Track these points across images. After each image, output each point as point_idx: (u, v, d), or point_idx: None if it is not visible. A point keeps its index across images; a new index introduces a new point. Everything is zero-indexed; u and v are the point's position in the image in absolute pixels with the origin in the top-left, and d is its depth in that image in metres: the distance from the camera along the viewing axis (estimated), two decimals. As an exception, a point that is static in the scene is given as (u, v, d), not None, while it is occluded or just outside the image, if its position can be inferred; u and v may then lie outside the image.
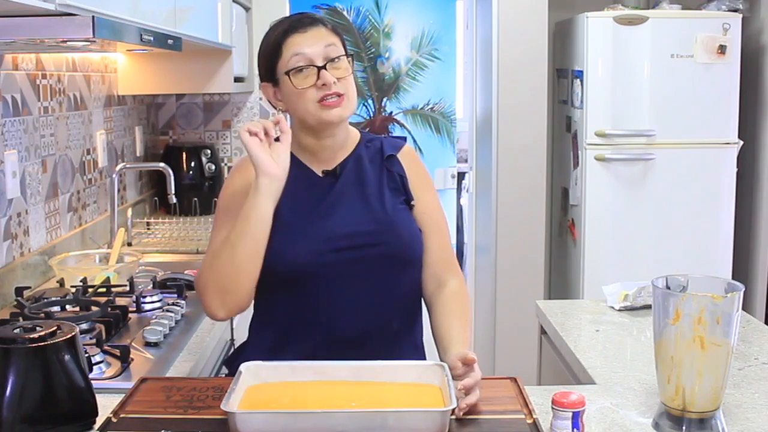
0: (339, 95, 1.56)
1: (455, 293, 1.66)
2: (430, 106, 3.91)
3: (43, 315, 1.90)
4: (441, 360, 1.51)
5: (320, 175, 1.66)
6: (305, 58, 1.55)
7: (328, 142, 1.64)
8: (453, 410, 1.31)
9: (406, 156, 1.72)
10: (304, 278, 1.57)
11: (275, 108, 1.65)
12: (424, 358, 1.70)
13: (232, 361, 1.71)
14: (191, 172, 3.49)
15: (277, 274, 1.57)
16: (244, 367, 1.40)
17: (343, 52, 1.60)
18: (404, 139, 1.78)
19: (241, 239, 1.49)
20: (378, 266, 1.58)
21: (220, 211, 1.64)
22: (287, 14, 3.55)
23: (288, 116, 1.62)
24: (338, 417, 1.26)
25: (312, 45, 1.56)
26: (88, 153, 2.79)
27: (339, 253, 1.57)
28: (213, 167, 3.52)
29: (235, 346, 1.79)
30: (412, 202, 1.67)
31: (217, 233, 1.59)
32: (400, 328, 1.64)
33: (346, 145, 1.68)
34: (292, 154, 1.64)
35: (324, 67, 1.55)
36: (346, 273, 1.57)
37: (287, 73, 1.56)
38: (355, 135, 1.71)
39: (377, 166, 1.69)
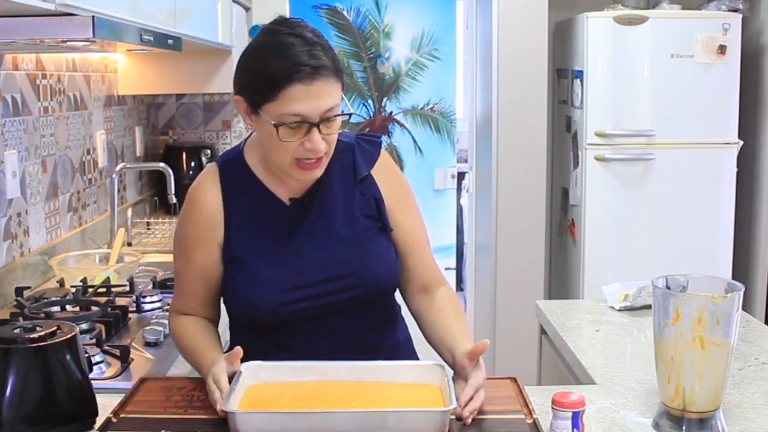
0: (320, 158, 1.43)
1: (446, 296, 1.60)
2: (430, 106, 3.91)
3: (43, 315, 1.90)
4: (447, 361, 1.48)
5: (287, 203, 1.52)
6: (302, 117, 1.38)
7: None
8: (455, 411, 1.30)
9: (381, 170, 1.58)
10: (273, 324, 1.52)
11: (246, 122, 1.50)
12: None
13: None
14: (191, 172, 3.49)
15: (243, 319, 1.53)
16: (244, 367, 1.39)
17: (340, 104, 1.43)
18: (379, 144, 1.61)
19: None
20: (351, 305, 1.51)
21: (179, 248, 1.57)
22: (287, 14, 3.55)
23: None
24: (338, 417, 1.25)
25: (314, 103, 1.38)
26: (88, 153, 2.79)
27: (309, 300, 1.49)
28: (213, 167, 3.52)
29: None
30: (390, 228, 1.56)
31: (184, 268, 1.57)
32: (379, 349, 1.58)
33: None
34: (256, 179, 1.52)
35: (318, 125, 1.39)
36: (317, 315, 1.50)
37: (276, 125, 1.39)
38: None
39: (349, 187, 1.55)
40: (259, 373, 1.41)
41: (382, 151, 1.61)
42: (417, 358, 1.68)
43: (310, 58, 1.38)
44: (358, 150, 1.58)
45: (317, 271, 1.49)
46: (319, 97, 1.38)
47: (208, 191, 1.53)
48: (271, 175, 1.52)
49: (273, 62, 1.38)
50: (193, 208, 1.54)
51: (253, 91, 1.41)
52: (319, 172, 1.46)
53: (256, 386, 1.39)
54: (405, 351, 1.67)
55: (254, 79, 1.41)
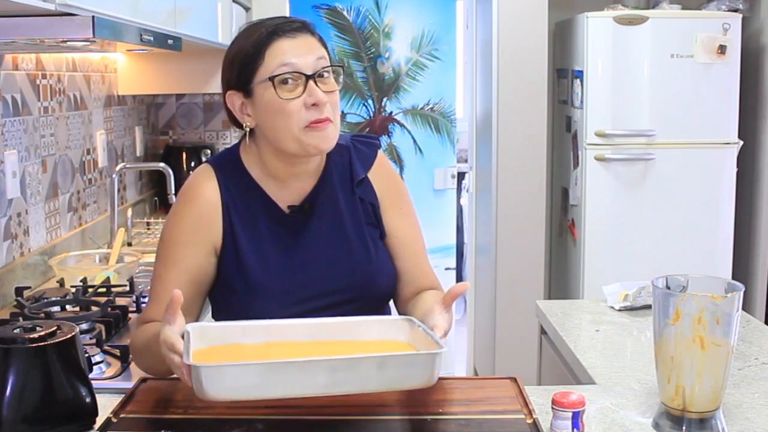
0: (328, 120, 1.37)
1: (435, 292, 1.50)
2: (430, 106, 3.90)
3: (43, 315, 1.90)
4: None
5: (286, 211, 1.45)
6: (294, 67, 1.35)
7: (301, 170, 1.44)
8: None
9: (377, 173, 1.53)
10: None
11: (236, 123, 1.44)
12: None
13: None
14: (191, 172, 3.48)
15: None
16: (191, 327, 1.24)
17: (331, 65, 1.40)
18: (376, 146, 1.56)
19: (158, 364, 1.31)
20: (351, 314, 1.42)
21: (166, 251, 1.43)
22: (287, 14, 3.55)
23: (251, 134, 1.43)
24: (321, 366, 1.10)
25: (302, 55, 1.36)
26: (88, 153, 2.79)
27: (312, 313, 1.41)
28: (213, 167, 3.51)
29: None
30: (385, 233, 1.52)
31: (167, 274, 1.41)
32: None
33: (318, 169, 1.48)
34: (254, 182, 1.46)
35: (313, 78, 1.35)
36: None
37: (272, 80, 1.35)
38: None
39: (348, 192, 1.49)
40: (206, 335, 1.27)
41: (379, 152, 1.56)
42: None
43: (291, 20, 1.39)
44: (354, 152, 1.53)
45: (322, 282, 1.45)
46: (307, 50, 1.37)
47: (205, 189, 1.46)
48: (271, 180, 1.46)
49: (252, 35, 1.38)
50: (188, 205, 1.46)
51: (240, 70, 1.38)
52: (332, 135, 1.38)
53: (204, 351, 1.25)
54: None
55: (238, 59, 1.38)
